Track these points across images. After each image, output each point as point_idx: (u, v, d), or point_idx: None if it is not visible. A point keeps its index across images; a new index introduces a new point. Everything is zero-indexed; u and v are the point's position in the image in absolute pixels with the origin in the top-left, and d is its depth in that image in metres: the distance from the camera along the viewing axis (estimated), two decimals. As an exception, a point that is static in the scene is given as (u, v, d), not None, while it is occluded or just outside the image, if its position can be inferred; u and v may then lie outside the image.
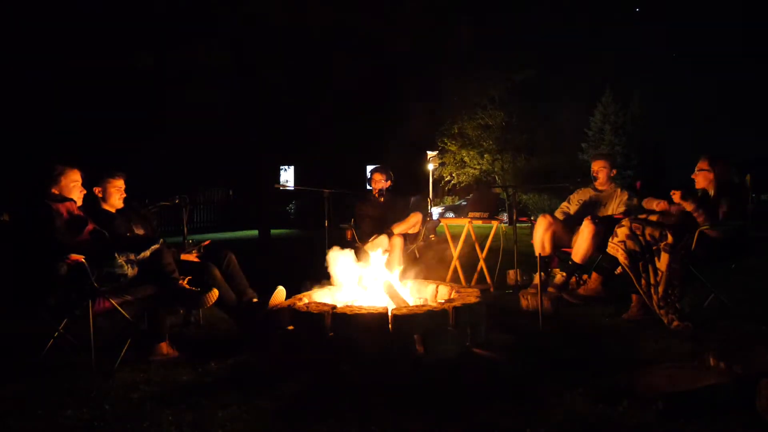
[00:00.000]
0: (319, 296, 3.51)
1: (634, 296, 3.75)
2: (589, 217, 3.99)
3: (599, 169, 4.51)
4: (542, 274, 4.27)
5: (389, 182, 5.25)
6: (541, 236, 4.26)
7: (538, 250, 4.25)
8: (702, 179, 3.69)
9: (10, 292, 2.97)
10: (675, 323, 3.32)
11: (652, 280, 3.46)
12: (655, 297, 3.44)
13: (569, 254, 4.09)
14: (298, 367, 2.81)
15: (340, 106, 15.66)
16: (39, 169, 3.11)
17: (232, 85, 10.94)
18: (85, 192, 3.19)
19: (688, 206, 3.56)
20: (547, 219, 4.31)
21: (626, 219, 3.71)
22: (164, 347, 3.02)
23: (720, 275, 3.99)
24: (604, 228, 3.96)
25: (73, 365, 2.84)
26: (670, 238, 3.40)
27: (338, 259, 3.66)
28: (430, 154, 17.59)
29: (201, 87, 11.09)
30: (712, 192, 3.63)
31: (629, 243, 3.57)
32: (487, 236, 5.39)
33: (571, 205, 4.63)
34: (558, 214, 4.58)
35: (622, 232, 3.63)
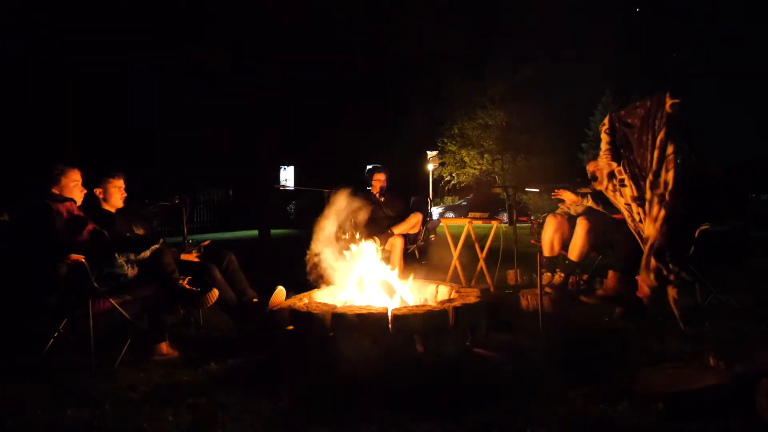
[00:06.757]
0: (319, 296, 3.51)
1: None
2: (583, 215, 3.98)
3: (597, 169, 4.51)
4: (549, 273, 4.27)
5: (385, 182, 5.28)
6: (550, 237, 4.26)
7: (546, 251, 4.24)
8: None
9: (10, 292, 2.98)
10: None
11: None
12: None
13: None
14: (297, 367, 2.80)
15: (340, 106, 15.65)
16: (39, 169, 3.11)
17: (231, 84, 10.94)
18: (85, 192, 3.20)
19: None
20: (557, 219, 4.31)
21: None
22: (164, 347, 3.02)
23: (720, 275, 3.98)
24: (599, 224, 3.96)
25: (73, 365, 2.84)
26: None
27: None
28: (430, 154, 17.57)
29: (201, 86, 11.10)
30: None
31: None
32: (487, 236, 5.38)
33: (571, 206, 4.62)
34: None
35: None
